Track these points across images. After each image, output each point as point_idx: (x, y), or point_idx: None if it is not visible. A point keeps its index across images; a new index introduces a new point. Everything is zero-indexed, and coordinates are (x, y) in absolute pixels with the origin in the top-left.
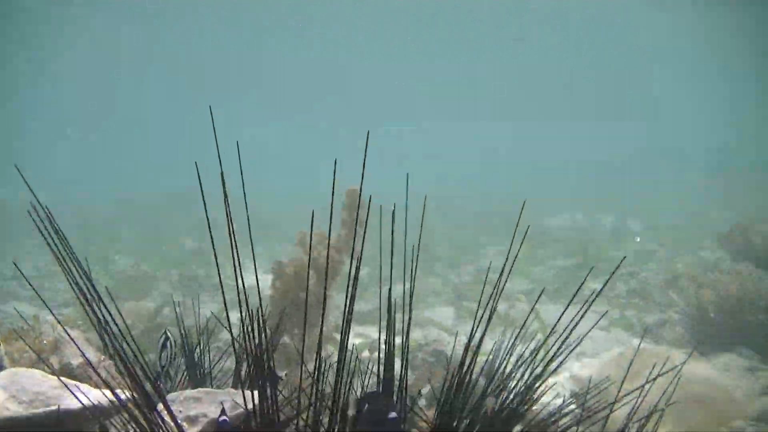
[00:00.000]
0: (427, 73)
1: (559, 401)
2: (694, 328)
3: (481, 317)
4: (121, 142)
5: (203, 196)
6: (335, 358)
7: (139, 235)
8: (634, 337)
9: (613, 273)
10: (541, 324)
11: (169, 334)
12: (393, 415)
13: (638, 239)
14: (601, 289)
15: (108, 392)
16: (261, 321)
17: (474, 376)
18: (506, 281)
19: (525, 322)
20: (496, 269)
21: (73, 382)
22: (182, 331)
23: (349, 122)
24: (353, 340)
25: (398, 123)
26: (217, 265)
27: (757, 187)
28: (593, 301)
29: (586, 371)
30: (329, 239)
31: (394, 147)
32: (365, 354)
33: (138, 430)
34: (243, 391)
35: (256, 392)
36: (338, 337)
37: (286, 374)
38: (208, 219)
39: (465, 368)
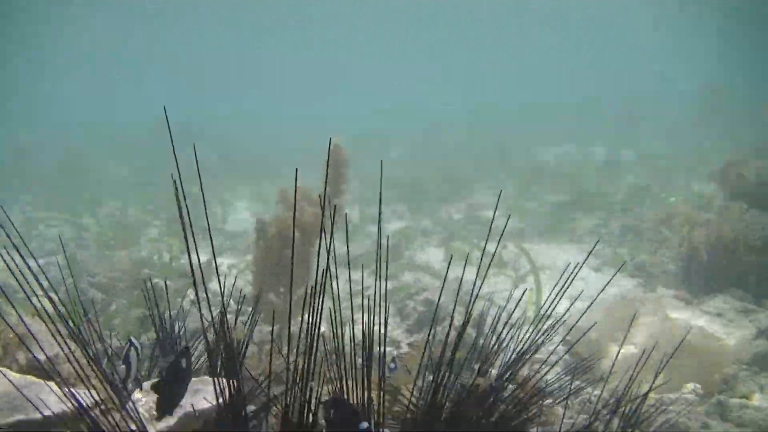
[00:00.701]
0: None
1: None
2: (687, 269)
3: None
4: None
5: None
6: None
7: (129, 176)
8: (627, 278)
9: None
10: (534, 271)
11: (134, 341)
12: (364, 425)
13: (673, 199)
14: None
15: (77, 391)
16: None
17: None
18: (497, 221)
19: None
20: (488, 206)
21: (40, 381)
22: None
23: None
24: (343, 287)
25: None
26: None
27: (750, 124)
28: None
29: (577, 316)
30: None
31: (386, 81)
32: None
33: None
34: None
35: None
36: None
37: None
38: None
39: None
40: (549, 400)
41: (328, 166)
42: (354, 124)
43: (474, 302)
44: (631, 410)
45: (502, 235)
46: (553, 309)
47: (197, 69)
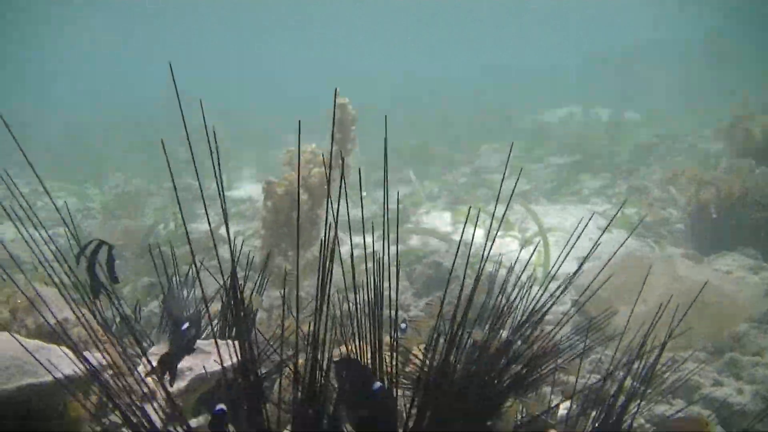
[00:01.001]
0: None
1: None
2: (695, 227)
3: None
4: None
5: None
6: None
7: (133, 148)
8: (635, 237)
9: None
10: (542, 232)
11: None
12: (378, 385)
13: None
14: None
15: (87, 354)
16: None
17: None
18: (504, 183)
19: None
20: (493, 169)
21: (50, 345)
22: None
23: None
24: (350, 251)
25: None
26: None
27: (758, 79)
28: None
29: (586, 276)
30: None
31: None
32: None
33: (118, 390)
34: (217, 346)
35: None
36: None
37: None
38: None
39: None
40: (560, 360)
41: (335, 112)
42: (358, 92)
43: (485, 262)
44: (643, 369)
45: (511, 197)
46: (560, 269)
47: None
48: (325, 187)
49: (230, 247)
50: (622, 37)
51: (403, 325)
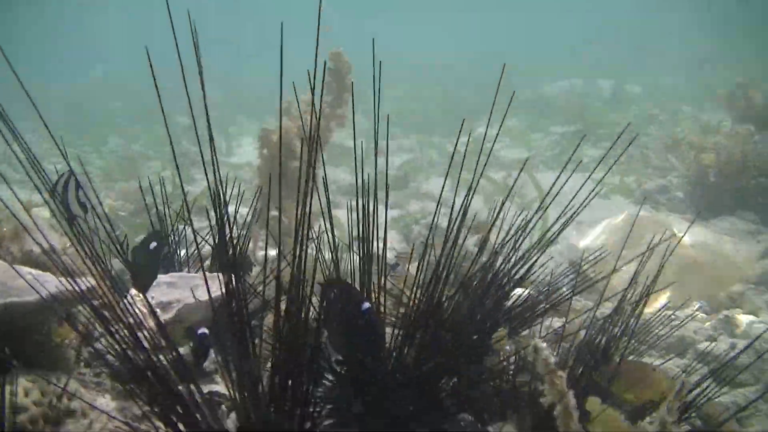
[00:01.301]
0: None
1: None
2: (694, 193)
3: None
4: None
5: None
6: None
7: (134, 114)
8: (634, 204)
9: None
10: (540, 193)
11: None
12: (366, 305)
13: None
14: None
15: (71, 280)
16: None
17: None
18: (504, 152)
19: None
20: (492, 138)
21: (36, 271)
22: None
23: None
24: (346, 215)
25: None
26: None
27: (761, 48)
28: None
29: (584, 239)
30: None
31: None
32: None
33: (106, 318)
34: (205, 279)
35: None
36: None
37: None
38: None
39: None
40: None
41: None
42: (359, 56)
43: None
44: (633, 321)
45: (526, 166)
46: (557, 232)
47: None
48: (323, 138)
49: (214, 161)
50: (625, 8)
51: (393, 261)
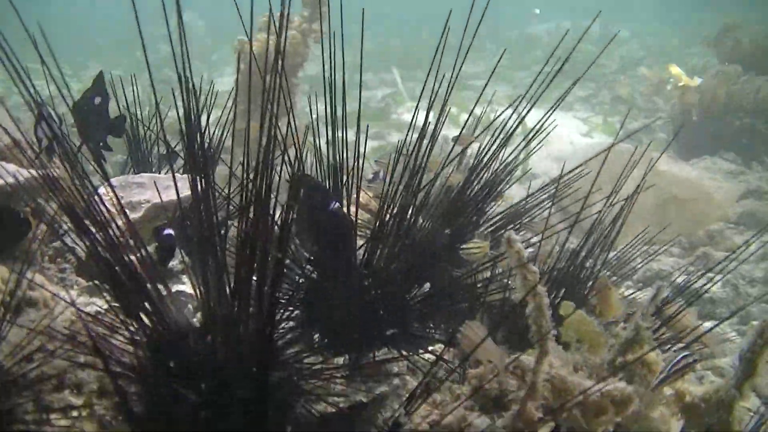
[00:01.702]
0: None
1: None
2: (678, 132)
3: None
4: None
5: None
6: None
7: (115, 42)
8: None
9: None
10: (524, 128)
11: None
12: (334, 204)
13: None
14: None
15: (37, 170)
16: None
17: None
18: (488, 90)
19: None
20: (478, 75)
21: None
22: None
23: None
24: (324, 147)
25: None
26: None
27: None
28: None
29: (565, 167)
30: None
31: None
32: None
33: (74, 212)
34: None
35: (199, 177)
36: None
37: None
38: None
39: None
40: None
41: None
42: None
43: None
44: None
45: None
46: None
47: None
48: (300, 54)
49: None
50: None
51: (373, 172)
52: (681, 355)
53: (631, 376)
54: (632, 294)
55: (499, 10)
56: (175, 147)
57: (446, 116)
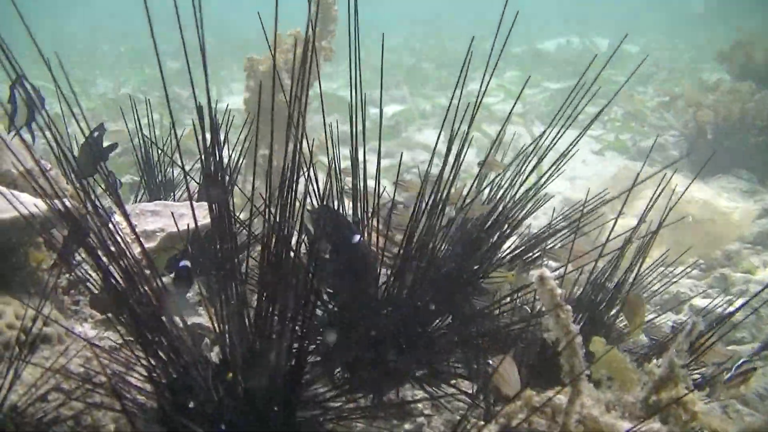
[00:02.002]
0: None
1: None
2: (691, 150)
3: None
4: None
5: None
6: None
7: (122, 57)
8: (629, 161)
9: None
10: (535, 146)
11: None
12: (357, 238)
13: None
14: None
15: (51, 201)
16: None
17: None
18: (497, 106)
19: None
20: (487, 93)
21: (13, 192)
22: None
23: None
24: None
25: None
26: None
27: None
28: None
29: (579, 193)
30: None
31: None
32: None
33: (88, 242)
34: (192, 205)
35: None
36: (323, 159)
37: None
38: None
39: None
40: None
41: None
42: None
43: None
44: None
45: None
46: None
47: None
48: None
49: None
50: None
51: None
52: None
53: (665, 416)
54: (652, 318)
55: (506, 27)
56: (189, 170)
57: (469, 142)
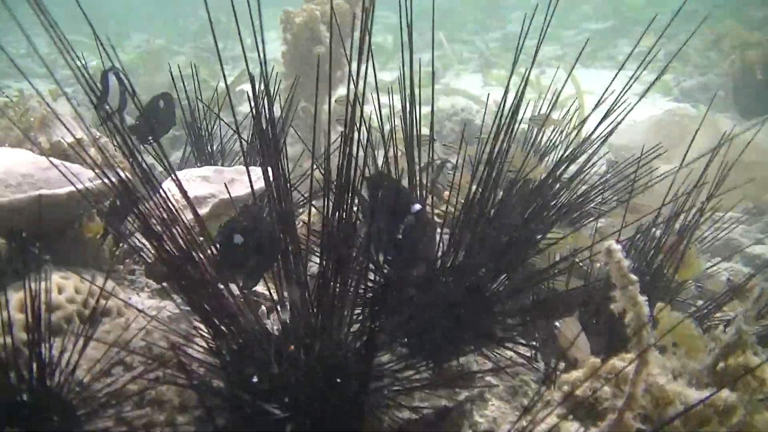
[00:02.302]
0: None
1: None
2: (738, 91)
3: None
4: None
5: None
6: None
7: (156, 9)
8: (673, 102)
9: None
10: (577, 89)
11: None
12: (417, 207)
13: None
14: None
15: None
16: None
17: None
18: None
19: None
20: (523, 34)
21: (65, 163)
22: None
23: None
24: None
25: None
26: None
27: None
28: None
29: (622, 138)
30: None
31: None
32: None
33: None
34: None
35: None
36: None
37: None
38: None
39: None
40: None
41: None
42: None
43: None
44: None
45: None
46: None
47: None
48: (347, 23)
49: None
50: None
51: (439, 159)
52: None
53: (733, 383)
54: (706, 268)
55: None
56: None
57: (520, 97)
